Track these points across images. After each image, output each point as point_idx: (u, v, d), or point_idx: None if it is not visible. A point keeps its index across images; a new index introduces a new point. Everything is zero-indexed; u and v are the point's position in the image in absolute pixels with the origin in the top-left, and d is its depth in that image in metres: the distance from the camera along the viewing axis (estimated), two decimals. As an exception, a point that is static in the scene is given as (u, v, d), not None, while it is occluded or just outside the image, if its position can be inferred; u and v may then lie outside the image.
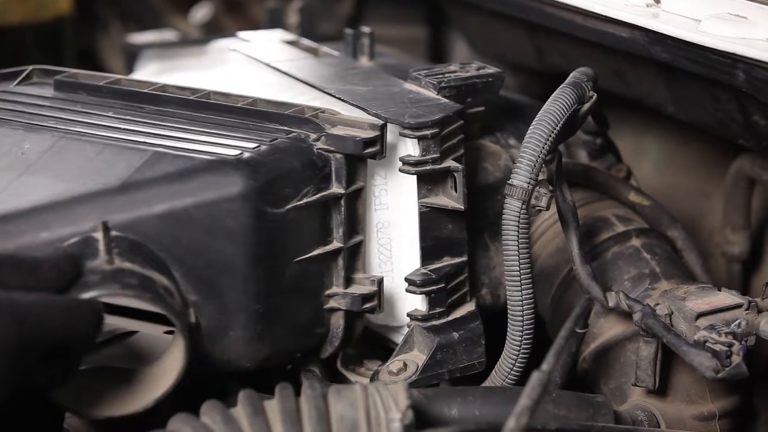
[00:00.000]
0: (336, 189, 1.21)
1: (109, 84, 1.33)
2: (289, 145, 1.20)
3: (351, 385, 1.05)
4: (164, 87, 1.32)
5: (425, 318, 1.26)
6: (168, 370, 1.11)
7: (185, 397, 1.14)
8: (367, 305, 1.24)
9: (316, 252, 1.21)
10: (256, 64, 1.49)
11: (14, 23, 2.20)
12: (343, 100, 1.29)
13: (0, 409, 0.96)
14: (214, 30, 2.38)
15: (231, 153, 1.17)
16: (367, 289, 1.24)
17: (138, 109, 1.28)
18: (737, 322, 1.15)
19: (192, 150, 1.17)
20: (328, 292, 1.23)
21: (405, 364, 1.24)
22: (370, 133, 1.20)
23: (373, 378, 1.25)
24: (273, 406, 1.03)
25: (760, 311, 1.17)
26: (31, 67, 1.39)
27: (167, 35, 1.84)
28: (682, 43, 1.31)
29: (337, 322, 1.25)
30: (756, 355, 1.18)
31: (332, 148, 1.20)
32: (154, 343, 1.17)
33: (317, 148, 1.21)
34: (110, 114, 1.27)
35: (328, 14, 2.31)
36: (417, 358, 1.25)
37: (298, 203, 1.18)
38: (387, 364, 1.25)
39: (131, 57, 1.71)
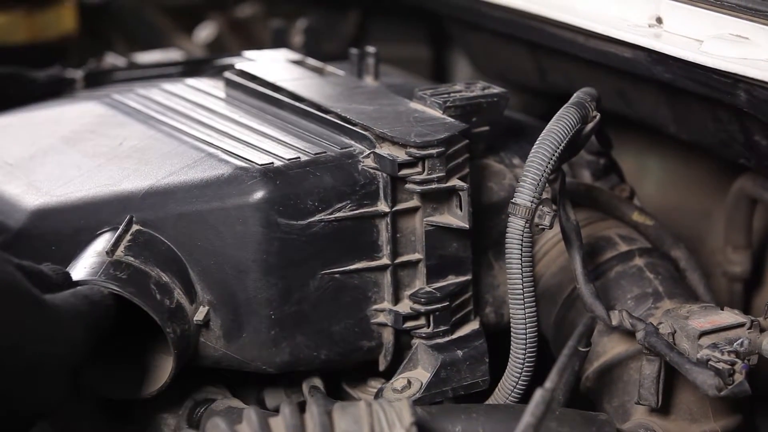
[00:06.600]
0: (381, 207, 1.22)
1: (256, 84, 1.40)
2: (330, 159, 1.22)
3: (355, 402, 1.06)
4: (294, 94, 1.37)
5: (429, 336, 1.26)
6: (166, 363, 1.17)
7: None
8: (410, 324, 1.24)
9: (355, 266, 1.22)
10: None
11: (20, 42, 2.20)
12: (348, 119, 1.30)
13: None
14: (218, 49, 2.39)
15: (260, 162, 1.20)
16: (414, 308, 1.24)
17: (259, 110, 1.36)
18: (740, 340, 1.15)
19: (239, 156, 1.22)
20: (376, 306, 1.24)
21: (409, 382, 1.25)
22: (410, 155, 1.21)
23: (378, 395, 1.25)
24: (278, 423, 1.03)
25: (762, 330, 1.18)
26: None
27: (172, 54, 1.85)
28: (684, 63, 1.32)
29: (388, 337, 1.26)
30: (758, 374, 1.18)
31: (377, 166, 1.22)
32: None
33: (362, 165, 1.22)
34: (230, 114, 1.34)
35: (331, 34, 2.32)
36: (421, 375, 1.26)
37: (327, 217, 1.19)
38: (391, 381, 1.26)
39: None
